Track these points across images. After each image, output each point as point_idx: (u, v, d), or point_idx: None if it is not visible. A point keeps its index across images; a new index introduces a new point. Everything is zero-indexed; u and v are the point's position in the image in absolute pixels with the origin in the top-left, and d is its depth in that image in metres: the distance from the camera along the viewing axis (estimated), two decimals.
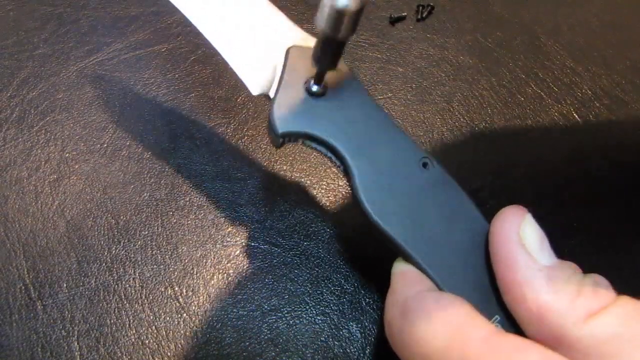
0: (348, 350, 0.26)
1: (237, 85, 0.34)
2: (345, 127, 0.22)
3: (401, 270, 0.21)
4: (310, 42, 0.23)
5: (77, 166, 0.31)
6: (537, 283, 0.17)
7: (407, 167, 0.22)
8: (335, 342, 0.26)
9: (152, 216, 0.29)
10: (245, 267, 0.28)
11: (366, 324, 0.26)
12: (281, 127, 0.22)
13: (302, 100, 0.22)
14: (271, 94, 0.23)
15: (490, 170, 0.32)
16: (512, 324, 0.19)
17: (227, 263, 0.28)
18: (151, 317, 0.26)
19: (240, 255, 0.28)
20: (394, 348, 0.19)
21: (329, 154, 0.22)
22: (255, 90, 0.23)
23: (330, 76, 0.22)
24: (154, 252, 0.28)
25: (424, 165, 0.22)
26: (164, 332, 0.26)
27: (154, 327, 0.26)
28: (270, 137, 0.23)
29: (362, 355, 0.26)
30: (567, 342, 0.17)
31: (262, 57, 0.23)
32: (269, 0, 0.24)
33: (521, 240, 0.18)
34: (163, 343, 0.25)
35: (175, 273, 0.27)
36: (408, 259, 0.21)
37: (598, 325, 0.16)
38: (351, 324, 0.26)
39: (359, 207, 0.21)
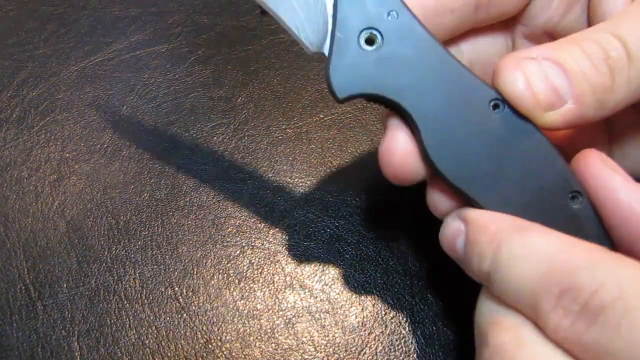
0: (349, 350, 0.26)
1: (237, 85, 0.34)
2: (406, 77, 0.20)
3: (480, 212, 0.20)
4: None
5: (77, 166, 0.31)
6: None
7: (476, 110, 0.20)
8: (336, 342, 0.26)
9: (152, 216, 0.29)
10: (245, 267, 0.28)
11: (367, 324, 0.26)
12: (340, 92, 0.20)
13: (357, 56, 0.20)
14: (325, 52, 0.21)
15: None
16: None
17: (227, 263, 0.28)
18: (151, 317, 0.26)
19: (240, 255, 0.28)
20: (493, 271, 0.18)
21: (393, 108, 0.21)
22: (309, 48, 0.21)
23: (385, 24, 0.20)
24: (154, 252, 0.28)
25: (495, 107, 0.20)
26: (164, 332, 0.26)
27: (154, 327, 0.26)
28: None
29: (362, 355, 0.26)
30: None
31: (311, 7, 0.21)
32: None
33: (609, 164, 0.19)
34: (163, 343, 0.25)
35: (175, 273, 0.27)
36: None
37: None
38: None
39: (428, 163, 0.20)
